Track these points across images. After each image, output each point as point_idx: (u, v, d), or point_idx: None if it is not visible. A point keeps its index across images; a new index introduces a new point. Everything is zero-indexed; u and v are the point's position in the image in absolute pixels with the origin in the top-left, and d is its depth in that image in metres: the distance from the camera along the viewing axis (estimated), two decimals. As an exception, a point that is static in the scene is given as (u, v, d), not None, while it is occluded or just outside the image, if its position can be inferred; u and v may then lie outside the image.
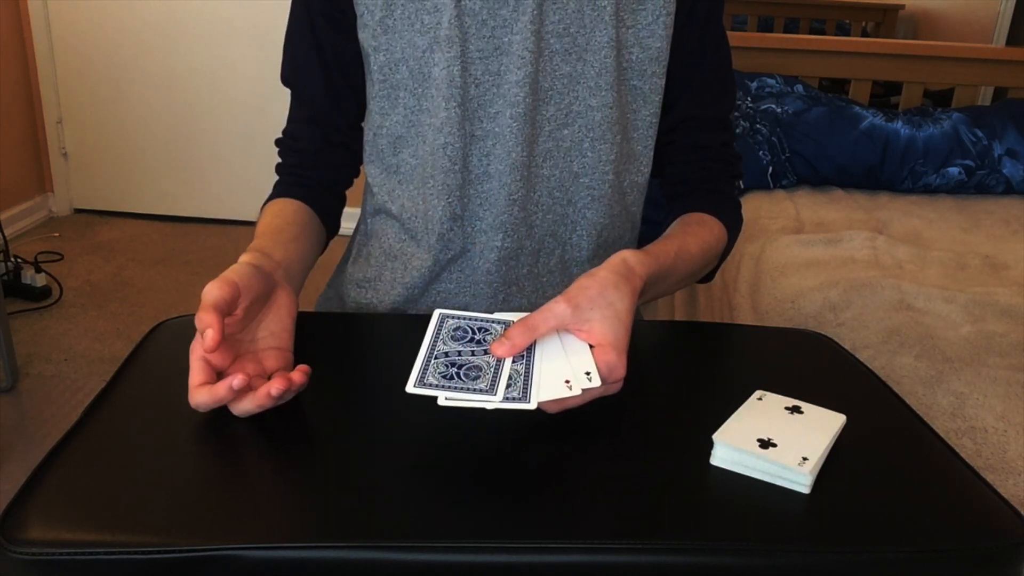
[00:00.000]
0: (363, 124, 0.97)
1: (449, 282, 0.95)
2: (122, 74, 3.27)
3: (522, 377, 0.63)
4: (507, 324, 0.68)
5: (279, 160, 0.99)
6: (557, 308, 0.68)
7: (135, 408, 0.66)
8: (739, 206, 1.00)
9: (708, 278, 1.00)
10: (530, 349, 0.66)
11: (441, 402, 0.60)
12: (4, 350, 2.12)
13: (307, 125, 0.96)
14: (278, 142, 0.99)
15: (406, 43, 0.88)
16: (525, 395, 0.61)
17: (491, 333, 0.68)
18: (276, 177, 0.98)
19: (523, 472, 0.60)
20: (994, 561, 0.56)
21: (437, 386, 0.61)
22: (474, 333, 0.68)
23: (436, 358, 0.64)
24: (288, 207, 0.92)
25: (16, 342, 2.32)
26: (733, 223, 0.98)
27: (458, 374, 0.63)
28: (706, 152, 0.98)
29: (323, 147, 0.96)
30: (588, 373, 0.63)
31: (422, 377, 0.62)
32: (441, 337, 0.67)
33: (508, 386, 0.62)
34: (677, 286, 0.91)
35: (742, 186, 2.16)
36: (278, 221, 0.88)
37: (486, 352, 0.65)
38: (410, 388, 0.61)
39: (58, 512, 0.54)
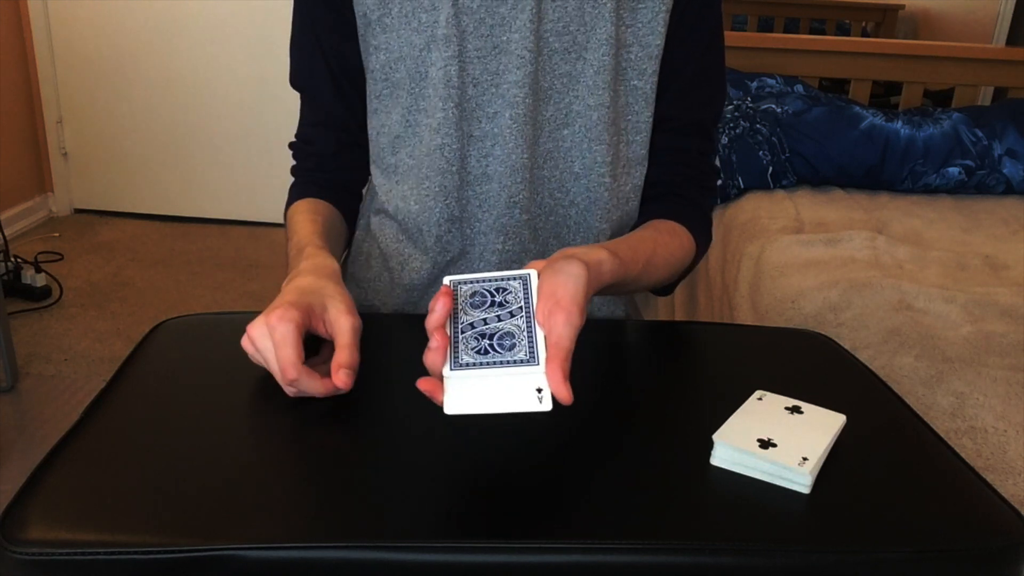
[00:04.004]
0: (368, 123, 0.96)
1: None
2: (122, 74, 3.27)
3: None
4: (523, 279, 0.65)
5: (294, 163, 0.99)
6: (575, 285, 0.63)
7: (135, 408, 0.66)
8: (710, 221, 0.97)
9: (666, 291, 0.96)
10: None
11: (453, 411, 0.58)
12: (4, 350, 2.12)
13: (320, 128, 0.96)
14: (292, 145, 0.99)
15: (404, 42, 0.87)
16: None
17: (509, 291, 0.65)
18: (290, 179, 0.98)
19: (523, 472, 0.60)
20: (994, 561, 0.56)
21: (474, 364, 0.59)
22: (493, 295, 0.65)
23: (463, 332, 0.62)
24: (320, 206, 0.93)
25: (16, 342, 2.32)
26: (704, 240, 0.95)
27: (491, 346, 0.61)
28: (682, 157, 0.95)
29: (338, 149, 0.96)
30: (540, 390, 0.59)
31: (457, 357, 0.60)
32: (461, 307, 0.64)
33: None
34: (625, 292, 0.89)
35: (740, 194, 2.15)
36: (320, 219, 0.89)
37: (511, 315, 0.63)
38: (446, 372, 0.59)
39: (58, 512, 0.54)
